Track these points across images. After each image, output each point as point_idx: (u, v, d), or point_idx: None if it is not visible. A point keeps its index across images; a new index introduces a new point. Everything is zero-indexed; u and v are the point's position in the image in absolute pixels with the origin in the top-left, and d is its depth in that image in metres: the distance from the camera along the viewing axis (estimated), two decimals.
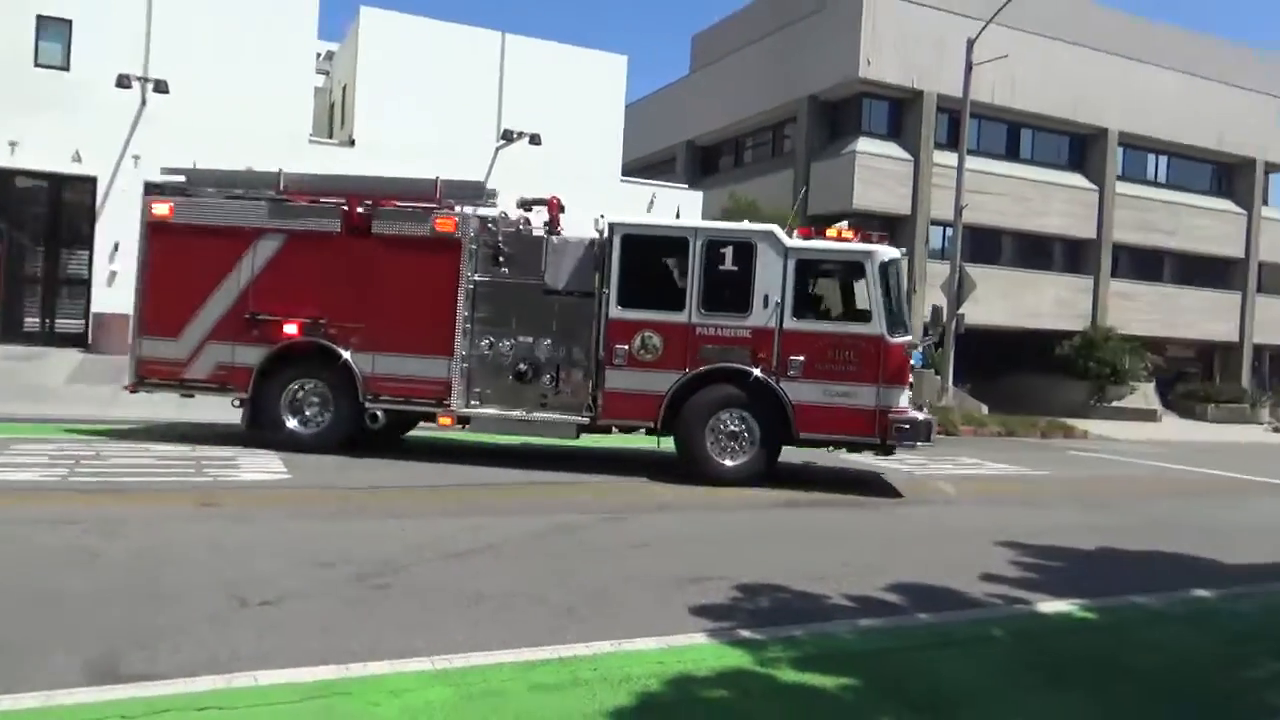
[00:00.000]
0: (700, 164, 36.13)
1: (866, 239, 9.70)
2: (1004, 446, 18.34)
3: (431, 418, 10.04)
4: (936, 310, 11.59)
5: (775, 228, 9.69)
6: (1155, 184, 34.60)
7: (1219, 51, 34.79)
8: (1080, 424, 23.74)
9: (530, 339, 9.93)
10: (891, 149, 29.18)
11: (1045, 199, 31.49)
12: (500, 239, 9.83)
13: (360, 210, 9.86)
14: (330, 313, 9.91)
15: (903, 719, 4.01)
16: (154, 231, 9.97)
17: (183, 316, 10.02)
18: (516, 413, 9.82)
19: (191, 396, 10.29)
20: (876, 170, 28.64)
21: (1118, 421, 25.68)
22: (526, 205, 10.41)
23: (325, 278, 9.87)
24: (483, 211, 9.91)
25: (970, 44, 22.36)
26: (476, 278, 9.80)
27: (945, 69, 27.69)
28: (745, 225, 9.86)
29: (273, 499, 7.62)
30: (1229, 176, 36.15)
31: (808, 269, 9.55)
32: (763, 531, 7.69)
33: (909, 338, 9.62)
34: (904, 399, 9.55)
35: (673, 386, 9.53)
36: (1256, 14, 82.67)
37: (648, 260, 9.71)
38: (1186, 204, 34.63)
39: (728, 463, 9.57)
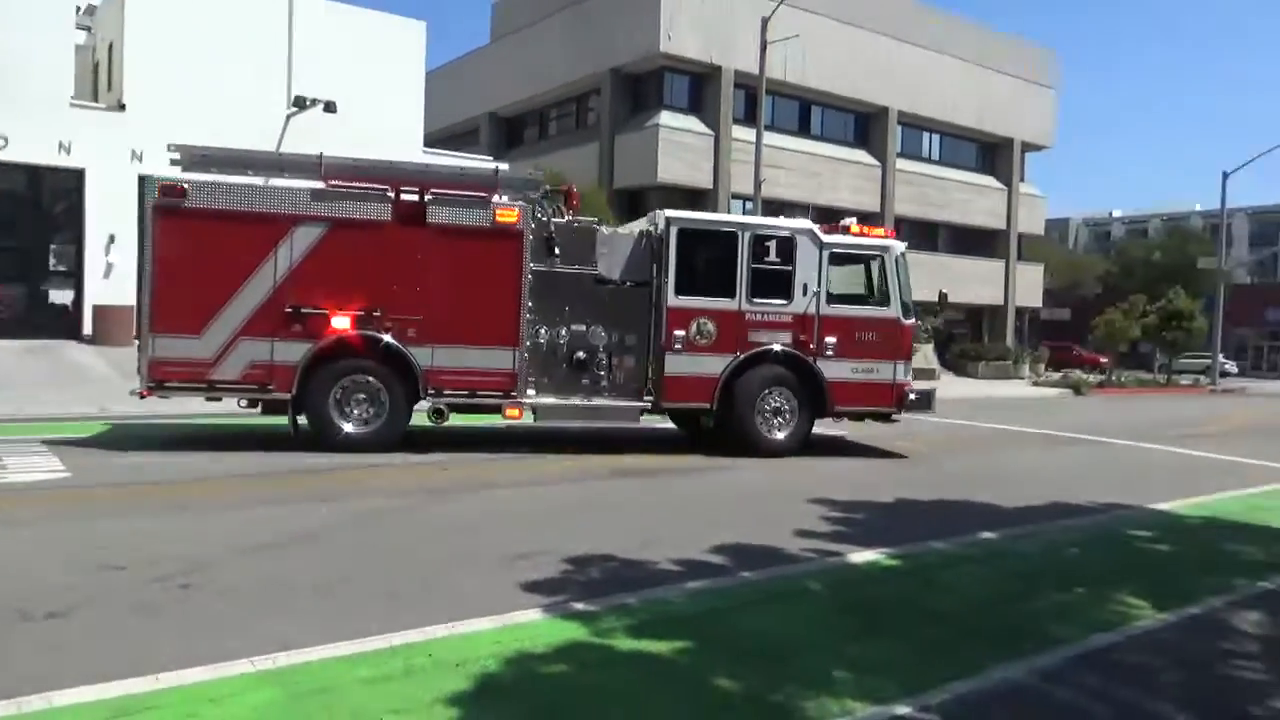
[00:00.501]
0: (505, 135, 35.76)
1: (870, 233, 11.32)
2: None
3: (494, 410, 9.97)
4: (943, 295, 13.14)
5: (811, 223, 11.03)
6: (930, 161, 37.66)
7: (985, 38, 38.17)
8: None
9: (584, 328, 10.42)
10: (693, 123, 29.90)
11: (835, 174, 33.52)
12: (553, 230, 10.18)
13: (413, 198, 9.69)
14: (384, 304, 9.64)
15: (736, 675, 4.16)
16: (162, 216, 9.15)
17: (206, 311, 9.30)
18: (580, 401, 10.30)
19: (219, 400, 9.55)
20: (679, 144, 29.27)
21: None
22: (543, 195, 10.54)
23: (376, 268, 9.60)
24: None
25: (764, 22, 23.24)
26: (533, 267, 10.02)
27: (742, 46, 28.65)
28: (786, 221, 11.21)
29: (51, 500, 7.12)
30: (992, 155, 39.93)
31: (839, 260, 11.01)
32: (590, 503, 7.80)
33: (914, 319, 11.32)
34: (911, 373, 11.31)
35: (727, 368, 10.54)
36: (1018, 2, 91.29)
37: (701, 252, 10.57)
38: (957, 180, 37.99)
39: (778, 435, 10.81)
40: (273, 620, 4.51)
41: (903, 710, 3.93)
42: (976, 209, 38.66)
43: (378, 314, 9.67)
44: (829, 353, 10.92)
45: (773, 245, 10.78)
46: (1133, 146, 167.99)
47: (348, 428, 9.68)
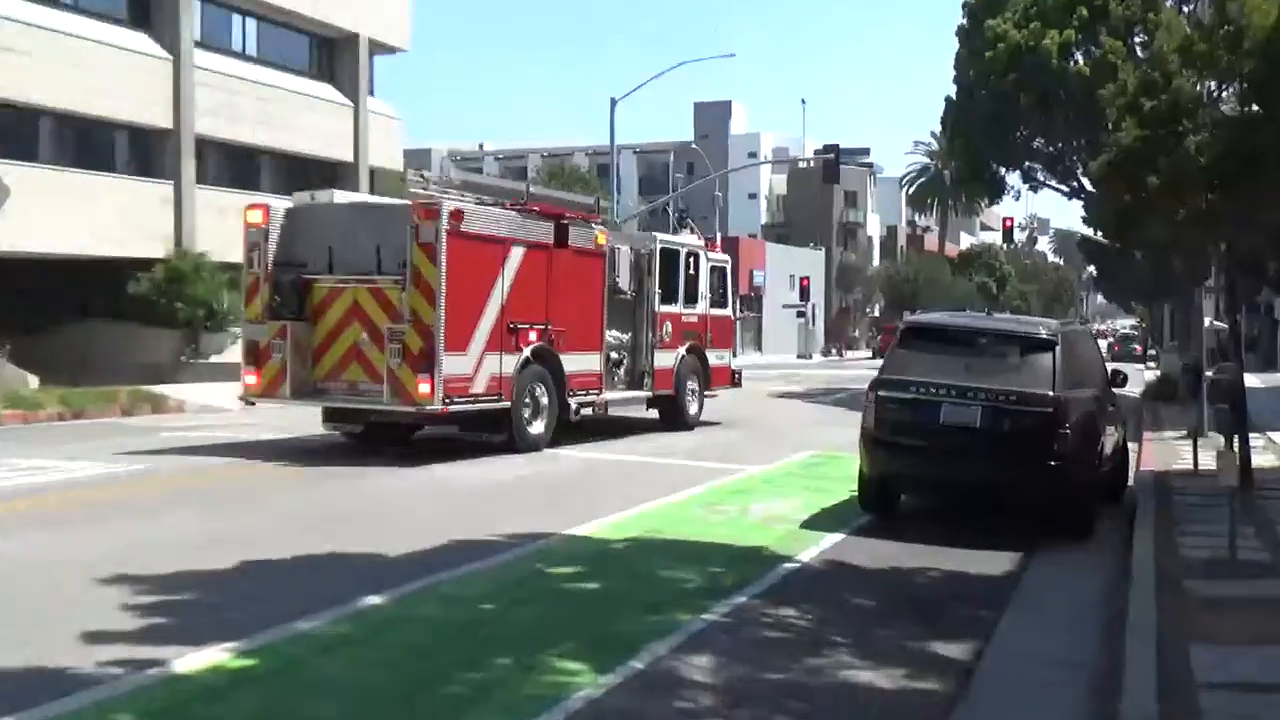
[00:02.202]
0: None
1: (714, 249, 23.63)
2: (75, 435, 18.63)
3: (589, 406, 19.12)
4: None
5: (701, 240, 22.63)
6: (246, 58, 37.78)
7: None
8: (174, 392, 25.16)
9: (614, 331, 20.06)
10: None
11: (100, 65, 31.75)
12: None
13: (564, 222, 18.16)
14: (550, 318, 17.77)
15: None
16: (449, 239, 15.88)
17: (468, 329, 16.33)
18: (620, 394, 20.17)
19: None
20: None
21: (221, 383, 26.00)
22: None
23: (544, 285, 17.65)
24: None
25: None
26: None
27: None
28: (690, 238, 22.83)
29: None
30: (331, 56, 41.53)
31: (711, 271, 22.99)
32: None
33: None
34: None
35: (676, 361, 21.68)
36: None
37: (668, 267, 21.46)
38: (285, 88, 38.58)
39: (693, 410, 22.48)
40: None
41: None
42: (314, 131, 39.67)
43: (545, 326, 17.58)
44: (710, 346, 22.72)
45: (694, 261, 22.25)
46: (504, 74, 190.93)
47: (533, 430, 17.57)
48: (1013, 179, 35.49)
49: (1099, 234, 33.14)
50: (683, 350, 21.84)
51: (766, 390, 34.41)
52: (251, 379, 17.05)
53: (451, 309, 15.85)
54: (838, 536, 11.47)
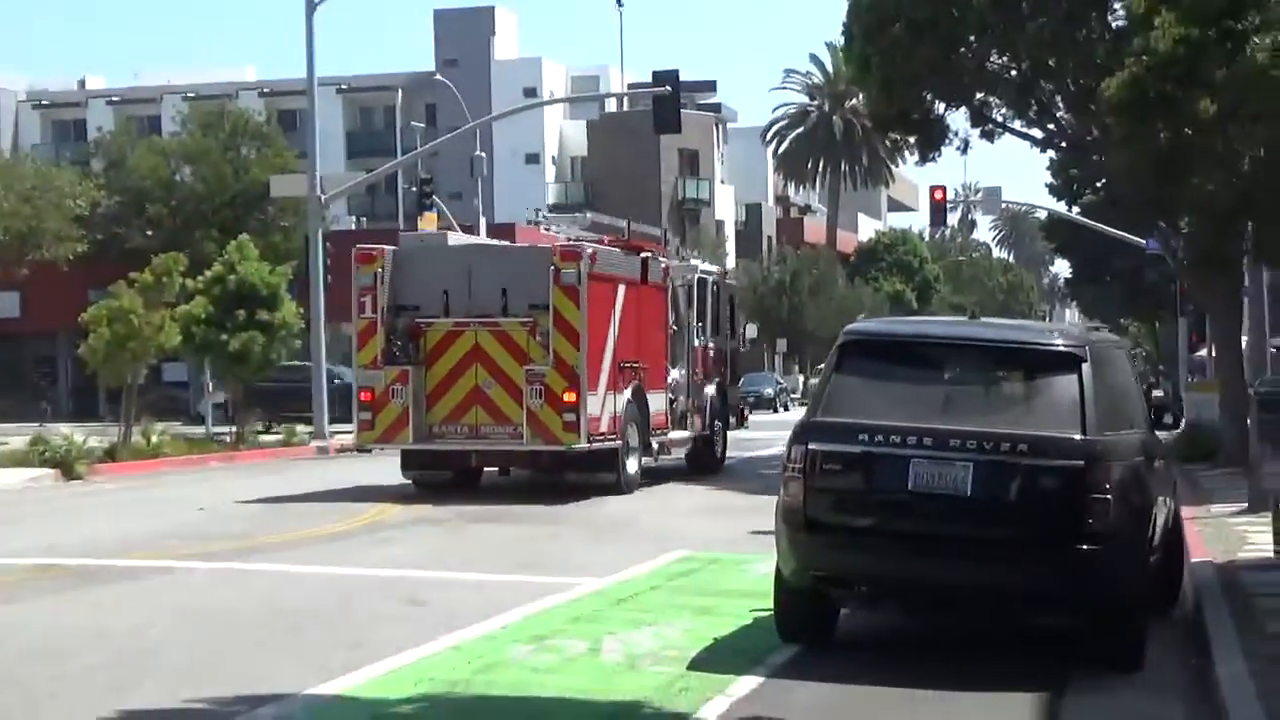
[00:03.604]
0: None
1: None
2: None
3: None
4: None
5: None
6: None
7: None
8: None
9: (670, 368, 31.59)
10: None
11: None
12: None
13: (645, 257, 28.97)
14: (640, 356, 27.65)
15: None
16: (592, 281, 25.14)
17: (597, 369, 25.44)
18: (680, 434, 30.57)
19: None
20: None
21: None
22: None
23: (635, 323, 27.25)
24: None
25: None
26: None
27: None
28: (708, 265, 36.97)
29: None
30: None
31: (730, 300, 35.82)
32: None
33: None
34: None
35: (709, 398, 32.40)
36: None
37: (702, 297, 32.48)
38: None
39: (718, 450, 33.56)
40: None
41: None
42: None
43: (637, 364, 27.02)
44: (731, 381, 34.85)
45: (716, 289, 33.17)
46: None
47: (630, 470, 27.12)
48: (956, 119, 36.23)
49: (1087, 198, 34.10)
50: (712, 387, 32.03)
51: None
52: (367, 425, 26.00)
53: (591, 349, 25.29)
54: (751, 681, 11.41)
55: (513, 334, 25.18)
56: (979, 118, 35.81)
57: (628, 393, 26.82)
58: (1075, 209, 72.86)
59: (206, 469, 35.98)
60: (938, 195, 62.04)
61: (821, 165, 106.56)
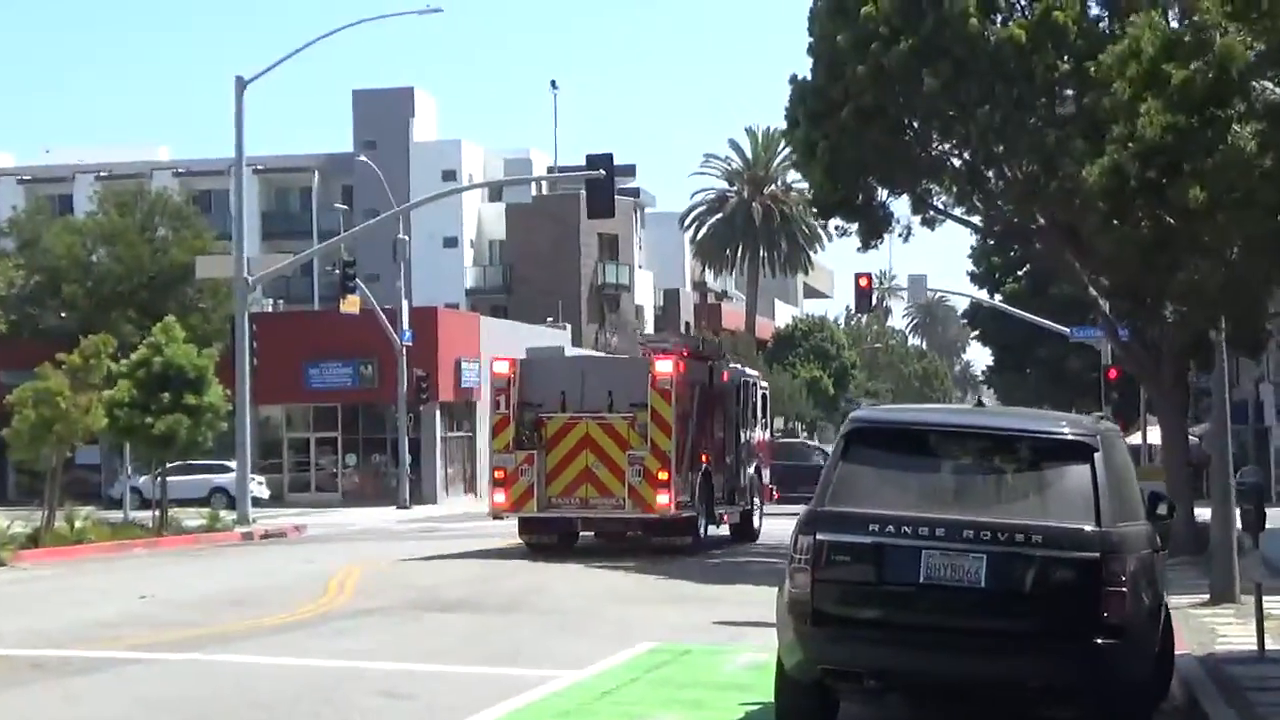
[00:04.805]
0: None
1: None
2: None
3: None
4: None
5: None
6: None
7: None
8: None
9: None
10: None
11: None
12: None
13: (710, 363, 38.73)
14: (708, 442, 37.24)
15: None
16: (678, 385, 34.14)
17: (681, 454, 34.14)
18: (731, 508, 39.74)
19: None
20: None
21: None
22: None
23: (706, 416, 37.04)
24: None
25: None
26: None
27: None
28: (750, 370, 48.63)
29: None
30: None
31: (764, 398, 46.27)
32: None
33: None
34: None
35: (750, 479, 41.95)
36: None
37: (746, 396, 42.21)
38: None
39: (756, 523, 42.85)
40: None
41: None
42: None
43: (706, 450, 36.52)
44: (765, 465, 44.12)
45: (754, 388, 43.04)
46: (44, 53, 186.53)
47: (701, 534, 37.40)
48: (898, 206, 36.35)
49: (1009, 286, 34.14)
50: (751, 469, 40.08)
51: (515, 551, 35.34)
52: (501, 498, 33.87)
53: (675, 439, 32.97)
54: None
55: (616, 425, 33.29)
56: (921, 204, 36.04)
57: (700, 472, 35.13)
58: (998, 296, 73.81)
59: (132, 555, 35.65)
60: (863, 282, 62.22)
61: (740, 251, 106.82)
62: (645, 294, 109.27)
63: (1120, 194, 16.67)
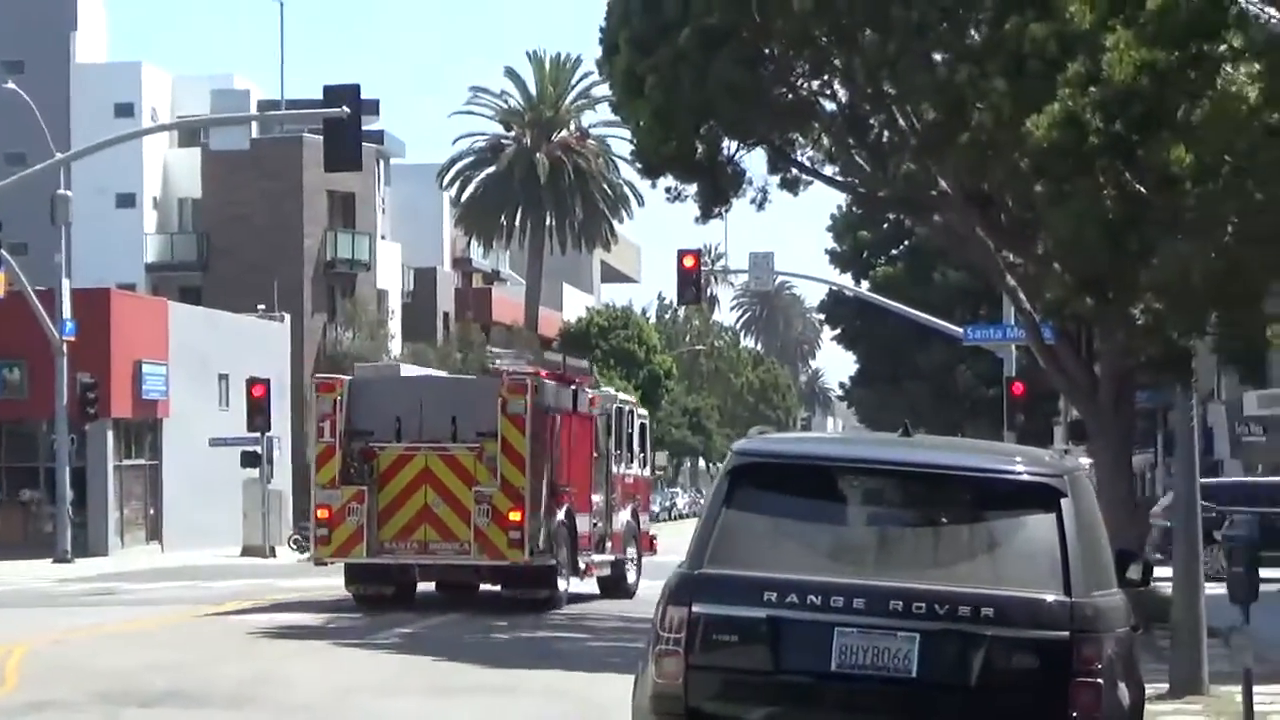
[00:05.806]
0: None
1: None
2: None
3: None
4: None
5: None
6: None
7: None
8: None
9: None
10: None
11: None
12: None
13: (574, 388, 43.03)
14: (570, 480, 41.05)
15: None
16: (533, 412, 38.01)
17: (539, 492, 37.90)
18: (602, 556, 44.43)
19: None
20: None
21: None
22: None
23: (566, 449, 40.83)
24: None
25: None
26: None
27: None
28: (625, 395, 56.44)
29: None
30: None
31: (641, 429, 51.90)
32: None
33: None
34: None
35: (623, 525, 47.44)
36: None
37: (619, 426, 47.54)
38: None
39: (631, 578, 48.29)
40: None
41: None
42: None
43: (567, 488, 40.53)
44: (643, 508, 49.79)
45: (630, 418, 47.49)
46: None
47: (562, 586, 40.43)
48: (754, 162, 36.43)
49: (882, 269, 34.45)
50: (627, 513, 43.92)
51: (234, 623, 34.95)
52: (324, 541, 36.44)
53: (530, 474, 35.44)
54: None
55: (461, 458, 36.40)
56: (781, 160, 36.17)
57: (560, 514, 37.99)
58: (865, 284, 74.38)
59: None
60: (688, 263, 62.03)
61: (519, 217, 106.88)
62: (391, 274, 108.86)
63: (1077, 153, 16.71)
